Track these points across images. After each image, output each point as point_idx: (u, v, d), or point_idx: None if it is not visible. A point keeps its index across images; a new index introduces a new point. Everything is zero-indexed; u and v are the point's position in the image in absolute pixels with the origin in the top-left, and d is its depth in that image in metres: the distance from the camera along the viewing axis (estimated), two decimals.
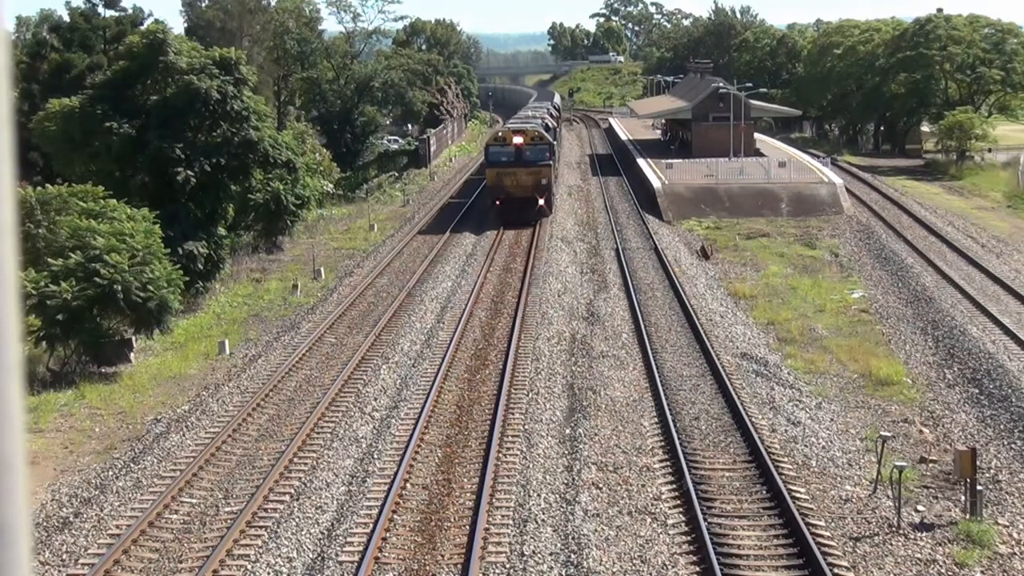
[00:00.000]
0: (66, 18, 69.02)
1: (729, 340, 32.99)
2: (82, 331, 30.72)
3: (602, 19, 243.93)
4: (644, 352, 31.11)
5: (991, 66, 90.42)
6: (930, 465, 22.92)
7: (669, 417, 24.74)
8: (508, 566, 17.74)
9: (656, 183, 63.29)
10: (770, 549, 18.50)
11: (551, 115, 78.54)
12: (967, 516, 19.82)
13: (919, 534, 19.18)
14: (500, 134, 58.92)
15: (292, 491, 21.38)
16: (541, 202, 55.10)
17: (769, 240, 52.35)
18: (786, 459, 22.71)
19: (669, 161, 70.68)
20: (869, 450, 23.29)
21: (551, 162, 57.19)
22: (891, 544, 18.78)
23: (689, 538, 18.80)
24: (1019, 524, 19.89)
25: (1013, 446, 24.10)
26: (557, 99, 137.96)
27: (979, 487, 20.29)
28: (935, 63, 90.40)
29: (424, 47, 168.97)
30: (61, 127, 41.46)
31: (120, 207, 34.10)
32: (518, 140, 56.22)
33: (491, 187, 56.98)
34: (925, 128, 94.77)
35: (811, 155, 75.99)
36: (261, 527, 19.76)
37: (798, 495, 20.47)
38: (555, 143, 63.50)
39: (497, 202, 55.94)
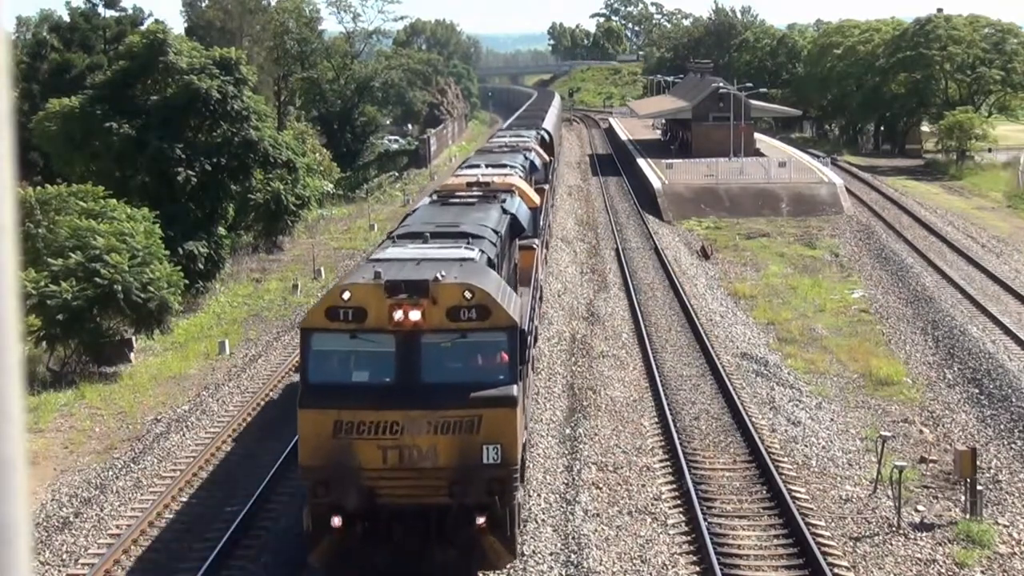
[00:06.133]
0: (66, 18, 68.96)
1: (729, 340, 32.98)
2: (82, 331, 30.71)
3: (602, 19, 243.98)
4: (644, 352, 31.12)
5: (991, 66, 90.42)
6: (930, 465, 22.92)
7: (669, 417, 24.74)
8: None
9: (656, 183, 63.29)
10: (770, 549, 18.50)
11: (534, 160, 39.96)
12: (967, 516, 19.81)
13: (919, 534, 19.18)
14: (344, 295, 16.52)
15: (292, 490, 21.37)
16: (481, 522, 16.32)
17: (769, 240, 52.35)
18: (786, 459, 22.71)
19: (669, 161, 70.72)
20: (869, 450, 23.29)
21: (517, 391, 16.79)
22: (891, 544, 18.78)
23: (689, 538, 18.81)
24: (1019, 524, 19.89)
25: (1013, 446, 24.10)
26: (555, 107, 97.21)
27: (979, 487, 20.29)
28: (935, 63, 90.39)
29: (424, 47, 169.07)
30: (61, 127, 41.47)
31: (120, 207, 34.11)
32: (408, 314, 16.47)
33: (316, 476, 16.40)
34: (925, 128, 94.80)
35: (811, 155, 76.00)
36: (261, 527, 19.76)
37: (798, 495, 20.47)
38: (531, 296, 25.71)
39: (334, 525, 16.39)
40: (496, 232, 21.66)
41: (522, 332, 17.22)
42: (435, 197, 26.85)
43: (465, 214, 22.99)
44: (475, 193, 26.41)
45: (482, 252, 19.20)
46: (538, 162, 41.01)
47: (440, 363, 16.64)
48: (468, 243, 19.62)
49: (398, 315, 16.26)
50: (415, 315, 16.29)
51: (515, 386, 16.68)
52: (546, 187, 41.51)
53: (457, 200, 25.30)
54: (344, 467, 16.18)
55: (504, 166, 33.84)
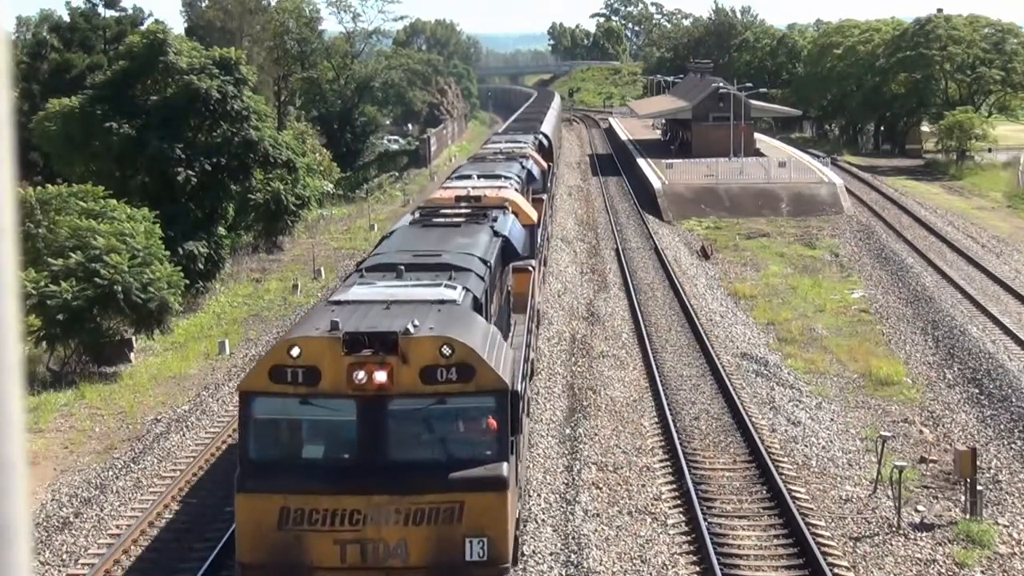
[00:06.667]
0: (66, 18, 68.96)
1: (729, 340, 32.99)
2: (82, 331, 30.72)
3: (602, 19, 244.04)
4: (644, 352, 31.12)
5: (991, 66, 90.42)
6: (930, 465, 22.93)
7: (669, 417, 24.75)
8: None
9: (656, 183, 63.30)
10: (770, 549, 18.50)
11: (531, 169, 37.00)
12: (967, 516, 19.82)
13: (919, 534, 19.18)
14: (292, 350, 13.66)
15: None
16: None
17: (769, 240, 52.36)
18: (786, 459, 22.72)
19: (669, 161, 70.74)
20: (869, 450, 23.29)
21: (507, 470, 13.88)
22: (891, 544, 18.78)
23: (689, 538, 18.81)
24: (1019, 524, 19.89)
25: (1013, 446, 24.10)
26: (555, 108, 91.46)
27: (979, 487, 20.29)
28: (935, 63, 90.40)
29: (424, 47, 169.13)
30: (61, 127, 41.46)
31: (120, 207, 34.11)
32: (372, 375, 13.57)
33: None
34: (925, 128, 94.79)
35: (811, 155, 76.02)
36: None
37: (798, 495, 20.48)
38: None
39: None
40: (485, 262, 18.41)
41: (514, 395, 14.00)
42: (417, 215, 23.66)
43: (449, 239, 19.78)
44: (463, 211, 23.44)
45: (466, 291, 16.05)
46: (536, 170, 37.82)
47: (412, 436, 13.79)
48: (450, 278, 16.47)
49: (360, 376, 13.38)
50: (381, 376, 13.40)
51: (505, 464, 13.68)
52: (544, 197, 39.22)
53: (441, 221, 22.10)
54: (292, 565, 13.44)
55: (498, 177, 31.15)
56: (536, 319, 27.32)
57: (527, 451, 20.07)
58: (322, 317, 14.28)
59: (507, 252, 21.33)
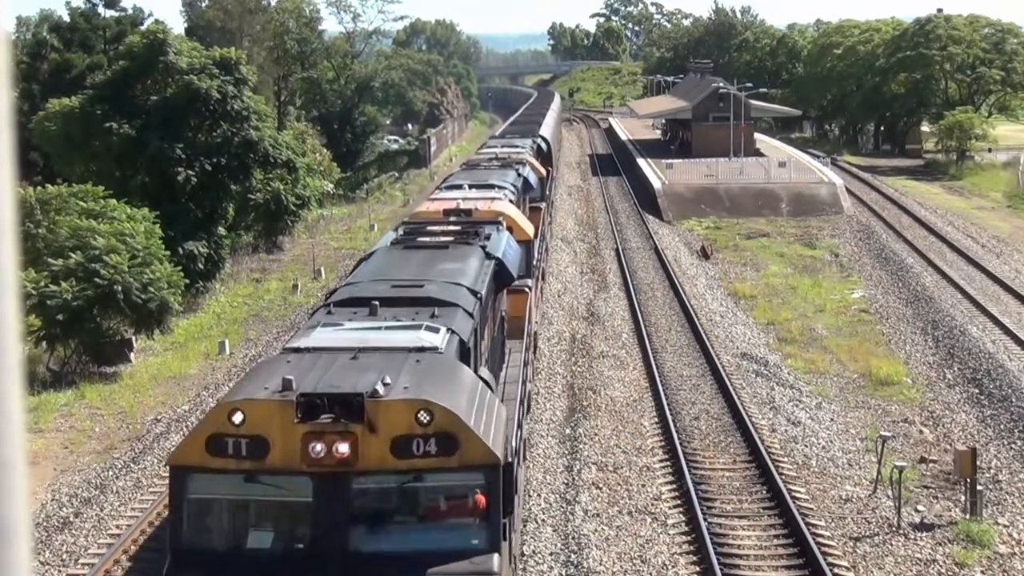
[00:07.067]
0: (66, 18, 68.91)
1: (729, 340, 32.99)
2: (82, 331, 30.72)
3: (602, 19, 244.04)
4: (644, 352, 31.13)
5: (991, 66, 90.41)
6: (930, 465, 22.93)
7: (669, 417, 24.76)
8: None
9: (656, 183, 63.30)
10: (770, 549, 18.51)
11: (528, 177, 34.33)
12: (967, 516, 19.82)
13: (919, 534, 19.18)
14: (234, 416, 11.02)
15: None
16: None
17: (769, 240, 52.36)
18: (786, 459, 22.73)
19: (669, 161, 70.75)
20: (869, 450, 23.30)
21: (498, 564, 11.18)
22: (891, 544, 18.79)
23: (689, 538, 18.81)
24: (1019, 524, 19.89)
25: (1013, 446, 24.10)
26: (554, 110, 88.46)
27: (979, 487, 20.30)
28: (935, 63, 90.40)
29: (424, 47, 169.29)
30: (61, 127, 41.47)
31: (120, 207, 34.12)
32: (332, 448, 10.93)
33: None
34: (925, 128, 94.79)
35: (811, 155, 76.01)
36: None
37: (798, 495, 20.48)
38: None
39: None
40: (475, 293, 15.78)
41: (507, 468, 11.44)
42: (400, 233, 20.73)
43: (433, 264, 17.01)
44: (451, 227, 20.99)
45: (451, 333, 13.51)
46: (533, 178, 34.98)
47: (380, 522, 11.29)
48: (433, 316, 13.90)
49: (317, 449, 10.85)
50: (343, 448, 10.88)
51: (495, 556, 11.14)
52: (543, 206, 36.96)
53: (426, 241, 19.49)
54: None
55: (491, 187, 28.53)
56: (533, 346, 25.01)
57: (522, 509, 17.88)
58: (274, 372, 11.73)
59: (501, 276, 18.85)
